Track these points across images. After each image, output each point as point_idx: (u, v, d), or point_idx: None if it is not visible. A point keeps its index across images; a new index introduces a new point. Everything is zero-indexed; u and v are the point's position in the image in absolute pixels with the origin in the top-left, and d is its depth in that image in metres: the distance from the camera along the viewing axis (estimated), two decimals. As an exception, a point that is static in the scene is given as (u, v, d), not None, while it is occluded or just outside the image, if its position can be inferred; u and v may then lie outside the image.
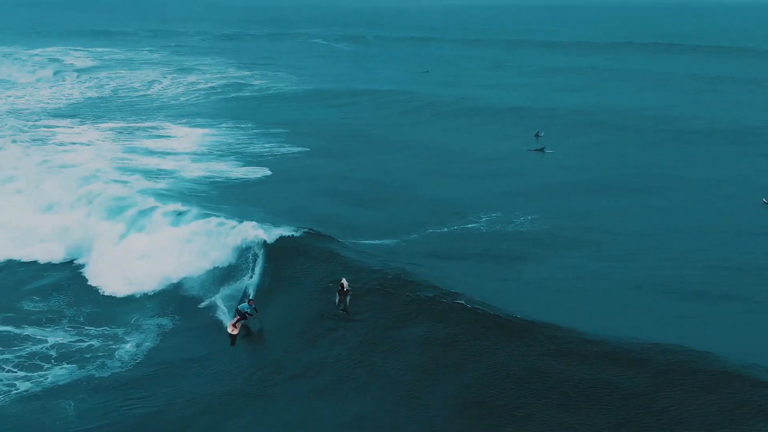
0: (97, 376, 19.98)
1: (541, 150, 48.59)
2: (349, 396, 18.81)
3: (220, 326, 23.07)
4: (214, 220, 29.27)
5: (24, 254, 30.89)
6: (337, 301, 22.94)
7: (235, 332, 22.17)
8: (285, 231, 27.74)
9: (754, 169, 43.22)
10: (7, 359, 20.79)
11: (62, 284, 27.86)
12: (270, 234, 27.38)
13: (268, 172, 42.56)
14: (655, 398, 16.87)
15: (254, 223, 28.15)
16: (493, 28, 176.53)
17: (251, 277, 25.41)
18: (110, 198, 34.28)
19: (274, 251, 26.50)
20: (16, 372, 20.10)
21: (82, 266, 29.57)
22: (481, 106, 65.38)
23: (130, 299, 25.96)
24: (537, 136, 52.46)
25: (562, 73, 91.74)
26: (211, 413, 18.03)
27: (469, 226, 32.87)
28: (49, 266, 29.96)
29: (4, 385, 19.46)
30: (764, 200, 35.65)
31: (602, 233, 31.77)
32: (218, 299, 24.53)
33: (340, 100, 70.20)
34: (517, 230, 32.26)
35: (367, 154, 48.56)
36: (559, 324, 20.13)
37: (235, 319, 22.63)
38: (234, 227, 28.14)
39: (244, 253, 26.88)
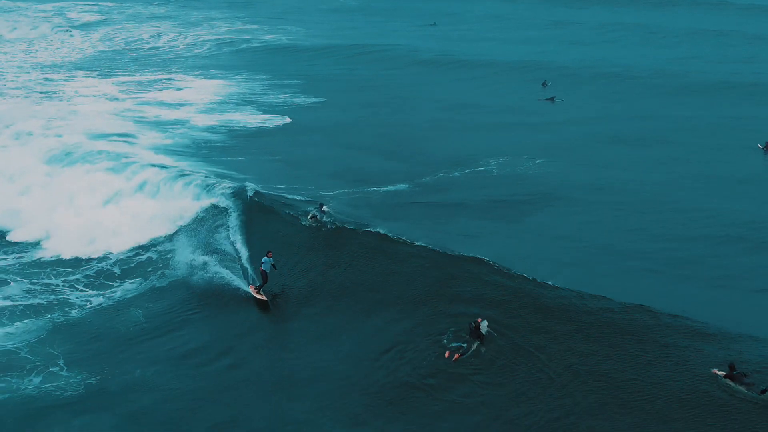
0: (158, 286, 22.58)
1: (551, 99, 50.50)
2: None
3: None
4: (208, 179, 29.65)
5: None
6: (310, 215, 24.79)
7: (263, 297, 21.66)
8: (267, 188, 28.46)
9: (752, 119, 45.12)
10: (78, 279, 23.38)
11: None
12: (256, 189, 27.90)
13: (288, 120, 44.53)
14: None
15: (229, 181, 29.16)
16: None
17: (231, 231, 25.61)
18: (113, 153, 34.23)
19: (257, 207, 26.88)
20: (87, 291, 22.68)
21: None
22: (489, 59, 66.59)
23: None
24: (544, 85, 54.25)
25: (567, 26, 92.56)
26: (274, 313, 20.53)
27: (480, 169, 35.03)
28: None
29: (80, 301, 22.06)
30: (759, 146, 37.85)
31: (606, 178, 33.64)
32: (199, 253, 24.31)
33: (351, 52, 71.40)
34: (526, 173, 34.32)
35: (380, 106, 50.25)
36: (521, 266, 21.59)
37: (257, 286, 21.89)
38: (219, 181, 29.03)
39: (230, 208, 27.17)
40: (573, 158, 36.74)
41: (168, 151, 36.99)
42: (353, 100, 51.94)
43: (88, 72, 64.51)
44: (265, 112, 47.62)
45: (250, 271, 22.68)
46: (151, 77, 62.42)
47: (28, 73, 64.41)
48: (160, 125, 43.49)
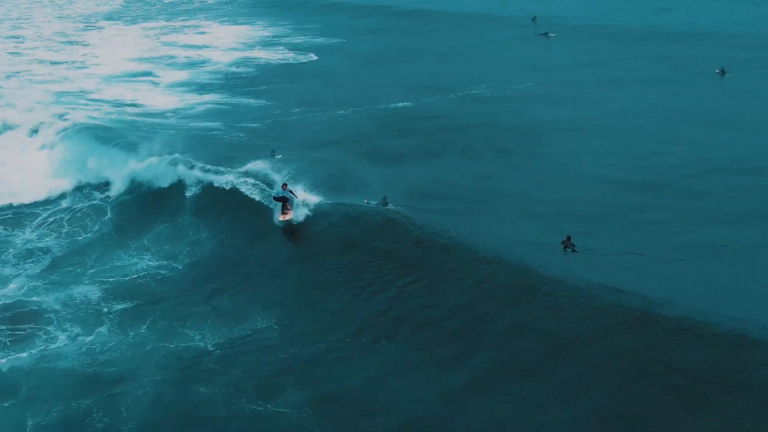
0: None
1: (545, 34, 56.47)
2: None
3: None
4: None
5: None
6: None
7: (287, 217, 21.74)
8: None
9: (717, 58, 49.39)
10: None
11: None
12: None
13: (314, 57, 51.07)
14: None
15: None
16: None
17: None
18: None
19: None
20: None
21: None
22: (486, 13, 70.03)
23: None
24: (534, 20, 60.09)
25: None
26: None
27: (473, 92, 41.04)
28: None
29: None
30: (716, 71, 43.70)
31: (583, 99, 38.39)
32: None
33: (364, 11, 76.23)
34: (515, 95, 40.12)
35: (391, 50, 55.51)
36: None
37: (281, 207, 21.77)
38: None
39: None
40: (557, 87, 41.48)
41: (194, 85, 42.70)
42: (366, 44, 57.89)
43: (115, 21, 69.86)
44: (291, 50, 54.01)
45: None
46: (178, 24, 68.03)
47: (59, 23, 69.84)
48: (189, 65, 49.34)
